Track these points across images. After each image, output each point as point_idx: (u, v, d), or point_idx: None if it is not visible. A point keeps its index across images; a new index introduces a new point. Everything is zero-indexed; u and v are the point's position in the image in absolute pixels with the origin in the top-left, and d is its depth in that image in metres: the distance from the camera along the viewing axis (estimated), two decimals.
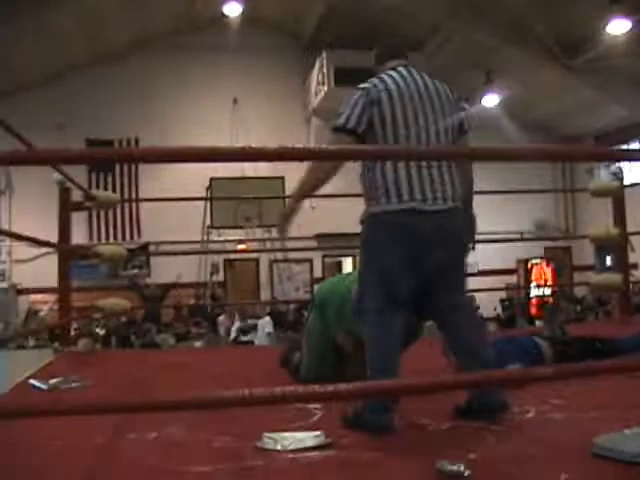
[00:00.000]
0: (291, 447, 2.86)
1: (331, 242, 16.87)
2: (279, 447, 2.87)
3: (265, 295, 17.97)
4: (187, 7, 16.30)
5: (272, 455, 2.82)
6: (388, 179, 3.30)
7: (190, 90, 17.51)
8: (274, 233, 17.48)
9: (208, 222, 16.92)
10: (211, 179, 15.61)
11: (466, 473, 2.35)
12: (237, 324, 12.15)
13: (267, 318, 12.03)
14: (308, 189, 3.54)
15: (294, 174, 14.90)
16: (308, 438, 2.94)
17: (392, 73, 3.53)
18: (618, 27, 12.91)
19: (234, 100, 17.78)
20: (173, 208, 15.15)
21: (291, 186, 13.45)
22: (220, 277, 17.88)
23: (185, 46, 16.89)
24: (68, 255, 5.82)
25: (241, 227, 16.50)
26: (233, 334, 11.91)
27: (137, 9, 15.61)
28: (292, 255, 17.95)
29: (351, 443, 2.95)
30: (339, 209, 16.03)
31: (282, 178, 15.94)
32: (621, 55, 13.87)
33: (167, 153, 2.41)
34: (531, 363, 4.14)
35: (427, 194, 3.28)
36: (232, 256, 17.89)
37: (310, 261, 18.43)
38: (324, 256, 18.61)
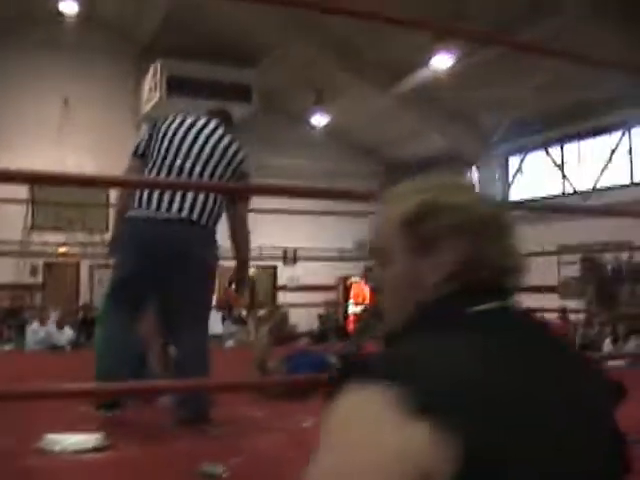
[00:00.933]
0: (71, 449, 2.98)
1: None
2: (58, 448, 2.98)
3: (85, 300, 17.63)
4: (21, 3, 15.77)
5: (51, 456, 2.92)
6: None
7: (19, 86, 16.88)
8: (96, 237, 17.28)
9: (29, 222, 16.46)
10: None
11: (224, 475, 2.56)
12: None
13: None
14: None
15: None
16: (89, 440, 3.07)
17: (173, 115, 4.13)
18: (441, 61, 13.65)
19: (65, 100, 17.37)
20: None
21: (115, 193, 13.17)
22: (39, 279, 17.39)
23: (13, 40, 16.31)
24: None
25: (61, 229, 16.24)
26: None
27: None
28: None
29: (129, 445, 3.11)
30: None
31: None
32: (444, 88, 14.66)
33: None
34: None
35: (153, 203, 3.77)
36: (52, 260, 17.43)
37: None
38: None
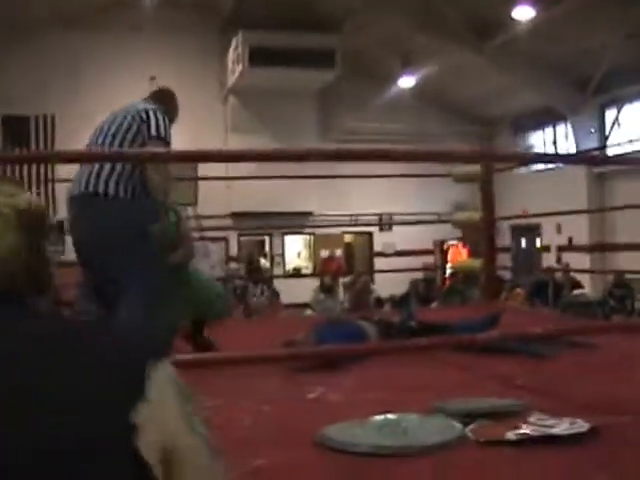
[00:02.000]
0: None
1: (247, 221, 17.00)
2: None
3: None
4: None
5: None
6: None
7: (106, 66, 17.28)
8: (190, 211, 17.56)
9: None
10: None
11: None
12: None
13: None
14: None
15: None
16: None
17: None
18: (523, 13, 13.15)
19: (151, 78, 17.60)
20: None
21: (202, 166, 13.20)
22: None
23: (105, 24, 16.62)
24: None
25: None
26: None
27: None
28: (209, 233, 18.00)
29: None
30: (254, 189, 16.24)
31: None
32: (533, 41, 14.14)
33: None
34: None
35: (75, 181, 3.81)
36: None
37: (226, 239, 18.50)
38: (240, 234, 18.69)
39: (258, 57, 15.87)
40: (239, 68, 16.42)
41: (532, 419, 2.64)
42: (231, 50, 17.04)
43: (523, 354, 4.21)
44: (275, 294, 13.41)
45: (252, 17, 15.93)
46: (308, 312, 10.67)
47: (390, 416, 2.71)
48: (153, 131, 3.84)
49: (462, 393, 3.21)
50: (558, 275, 12.78)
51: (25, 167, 15.95)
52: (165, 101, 4.28)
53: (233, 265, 17.54)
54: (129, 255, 3.64)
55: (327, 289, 11.41)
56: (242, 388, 3.51)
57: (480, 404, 2.84)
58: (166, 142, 3.88)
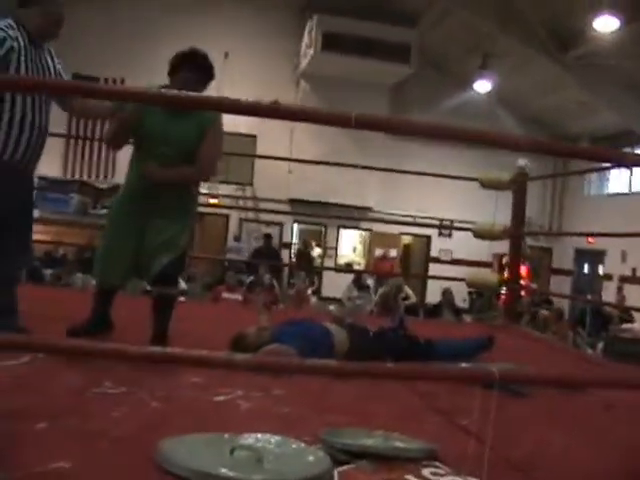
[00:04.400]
0: None
1: (305, 209, 16.70)
2: None
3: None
4: None
5: None
6: None
7: (181, 37, 17.10)
8: (247, 192, 17.36)
9: None
10: None
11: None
12: None
13: None
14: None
15: (267, 134, 14.73)
16: None
17: None
18: (606, 24, 12.38)
19: (225, 54, 17.45)
20: None
21: (263, 145, 13.43)
22: None
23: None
24: None
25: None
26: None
27: None
28: (264, 217, 17.80)
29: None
30: (317, 176, 15.93)
31: (254, 137, 15.77)
32: (615, 56, 13.43)
33: None
34: (312, 351, 3.81)
35: None
36: (202, 209, 17.64)
37: (281, 225, 18.22)
38: (295, 221, 18.42)
39: (331, 43, 15.60)
40: (311, 52, 16.11)
41: (425, 471, 2.21)
42: (305, 33, 16.74)
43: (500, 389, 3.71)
44: (310, 284, 13.13)
45: (329, 2, 15.61)
46: (331, 307, 10.27)
47: (259, 437, 2.30)
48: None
49: (391, 425, 2.77)
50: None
51: None
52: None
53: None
54: None
55: (361, 286, 11.07)
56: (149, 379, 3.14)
57: (376, 441, 2.40)
58: None
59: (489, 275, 6.09)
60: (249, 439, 2.26)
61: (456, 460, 2.36)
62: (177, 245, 3.93)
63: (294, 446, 2.29)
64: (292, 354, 3.74)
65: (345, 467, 2.17)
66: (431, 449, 2.41)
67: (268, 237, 16.45)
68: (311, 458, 2.19)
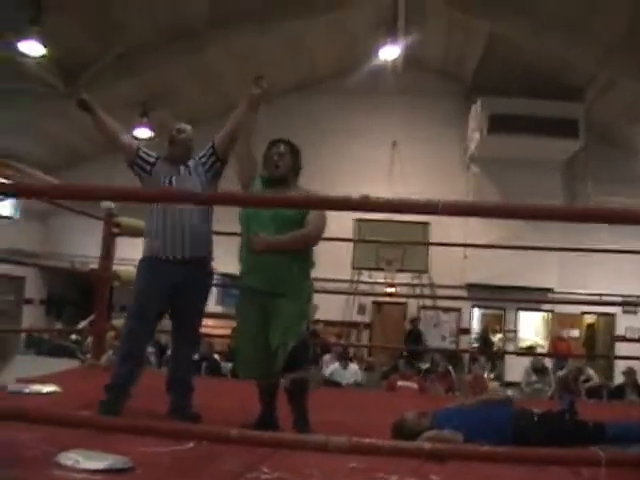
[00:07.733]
0: (88, 466, 2.84)
1: (484, 293, 16.46)
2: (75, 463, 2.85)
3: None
4: (348, 51, 16.56)
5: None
6: None
7: (350, 129, 17.66)
8: (424, 279, 17.32)
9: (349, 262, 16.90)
10: (357, 220, 15.79)
11: None
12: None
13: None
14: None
15: (441, 220, 14.57)
16: (111, 459, 2.90)
17: None
18: None
19: (393, 143, 17.81)
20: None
21: (437, 232, 13.41)
22: (366, 318, 17.83)
23: (345, 87, 16.95)
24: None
25: (382, 269, 16.53)
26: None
27: (301, 53, 16.27)
28: (440, 303, 17.64)
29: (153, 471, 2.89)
30: (494, 259, 15.69)
31: (427, 224, 15.85)
32: None
33: None
34: (486, 438, 3.70)
35: None
36: (380, 299, 17.76)
37: (458, 310, 18.00)
38: (474, 306, 18.15)
39: (497, 124, 15.61)
40: (478, 135, 16.15)
41: None
42: (471, 117, 16.81)
43: None
44: (491, 369, 12.83)
45: (492, 84, 15.67)
46: (509, 392, 9.99)
47: None
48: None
49: None
50: None
51: None
52: None
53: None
54: None
55: (540, 370, 10.70)
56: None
57: None
58: None
59: None
60: None
61: None
62: (297, 333, 3.98)
63: None
64: (457, 440, 3.71)
65: None
66: None
67: (413, 321, 16.75)
68: None
